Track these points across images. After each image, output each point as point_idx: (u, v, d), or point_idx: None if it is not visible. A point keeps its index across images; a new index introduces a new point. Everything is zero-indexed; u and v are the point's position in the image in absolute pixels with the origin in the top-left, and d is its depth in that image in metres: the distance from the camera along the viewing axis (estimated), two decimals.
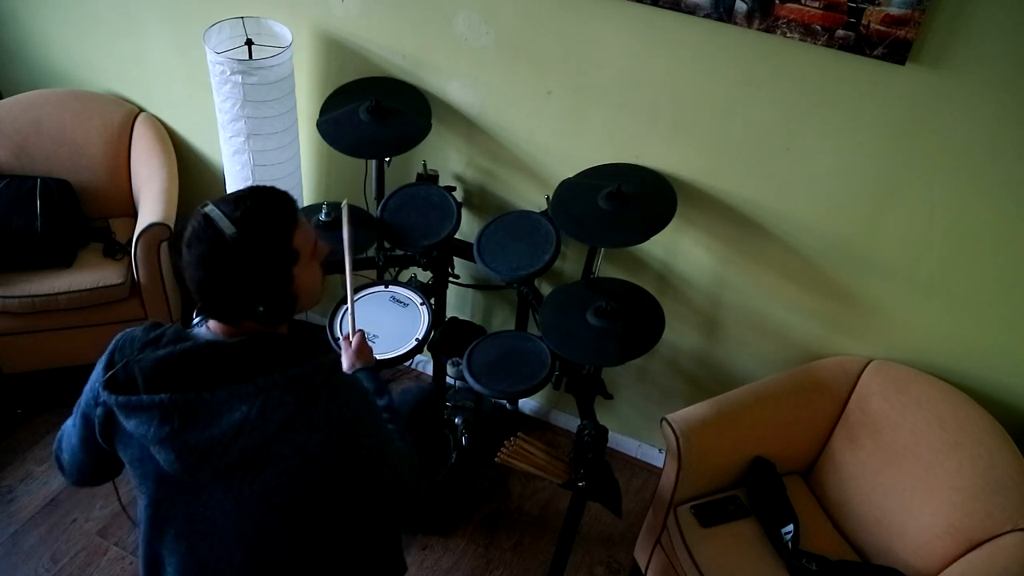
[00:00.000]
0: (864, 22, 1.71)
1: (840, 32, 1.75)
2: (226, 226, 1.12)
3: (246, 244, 1.13)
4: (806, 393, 2.14)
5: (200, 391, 1.11)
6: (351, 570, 1.40)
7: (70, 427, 1.33)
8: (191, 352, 1.14)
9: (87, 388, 1.26)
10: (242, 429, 1.10)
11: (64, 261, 2.60)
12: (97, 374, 1.23)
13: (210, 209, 1.14)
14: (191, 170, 2.92)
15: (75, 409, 1.29)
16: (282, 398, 1.12)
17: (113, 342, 1.23)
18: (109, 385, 1.15)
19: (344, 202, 1.71)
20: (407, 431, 1.44)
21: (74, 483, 1.39)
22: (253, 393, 1.11)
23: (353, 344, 1.61)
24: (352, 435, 1.18)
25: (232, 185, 2.53)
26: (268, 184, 1.21)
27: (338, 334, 2.06)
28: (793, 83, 1.88)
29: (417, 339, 2.04)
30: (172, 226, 2.53)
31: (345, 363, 1.59)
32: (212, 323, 1.22)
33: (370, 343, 2.03)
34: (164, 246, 2.55)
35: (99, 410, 1.20)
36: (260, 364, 1.15)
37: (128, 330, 1.24)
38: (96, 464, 1.32)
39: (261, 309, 1.17)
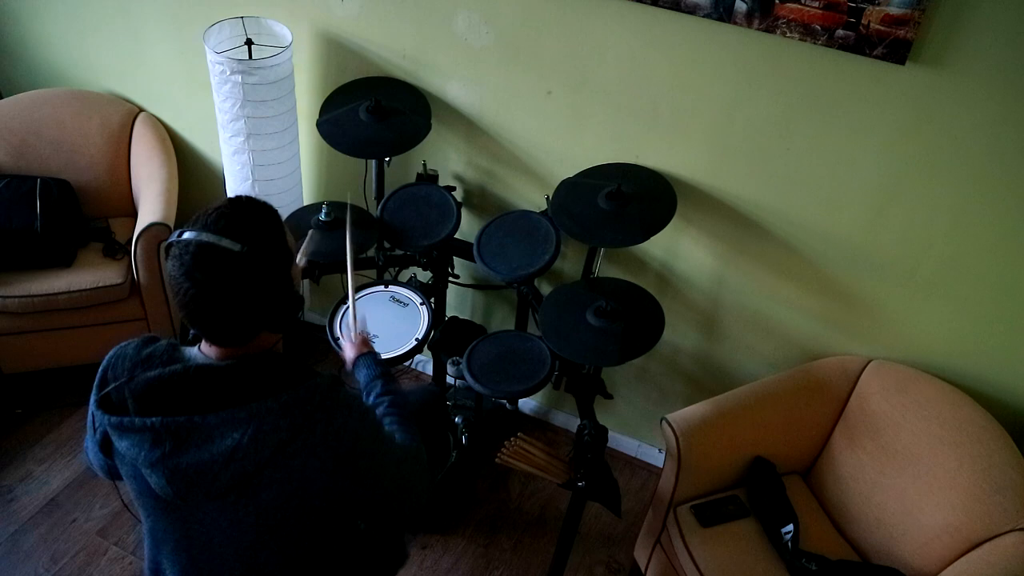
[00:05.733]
0: (864, 22, 1.71)
1: (840, 32, 1.75)
2: (229, 244, 1.09)
3: (256, 256, 1.11)
4: (806, 393, 2.14)
5: (192, 415, 1.09)
6: (351, 566, 1.40)
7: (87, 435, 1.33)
8: (181, 375, 1.12)
9: (91, 401, 1.24)
10: (234, 455, 1.08)
11: (64, 261, 2.60)
12: (93, 393, 1.21)
13: (197, 235, 1.09)
14: (191, 170, 2.92)
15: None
16: (276, 424, 1.09)
17: (106, 359, 1.21)
18: (103, 405, 1.14)
19: (348, 200, 1.71)
20: (411, 421, 1.43)
21: (110, 479, 1.38)
22: (246, 419, 1.09)
23: (355, 340, 1.61)
24: (351, 455, 1.16)
25: (232, 185, 2.53)
26: (237, 195, 1.19)
27: (338, 334, 2.06)
28: (793, 83, 1.88)
29: (417, 339, 2.04)
30: (172, 226, 2.53)
31: (348, 353, 1.58)
32: (205, 345, 1.19)
33: (371, 343, 2.04)
34: (164, 246, 2.55)
35: (99, 428, 1.19)
36: (254, 387, 1.13)
37: (121, 345, 1.22)
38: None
39: (277, 317, 1.17)
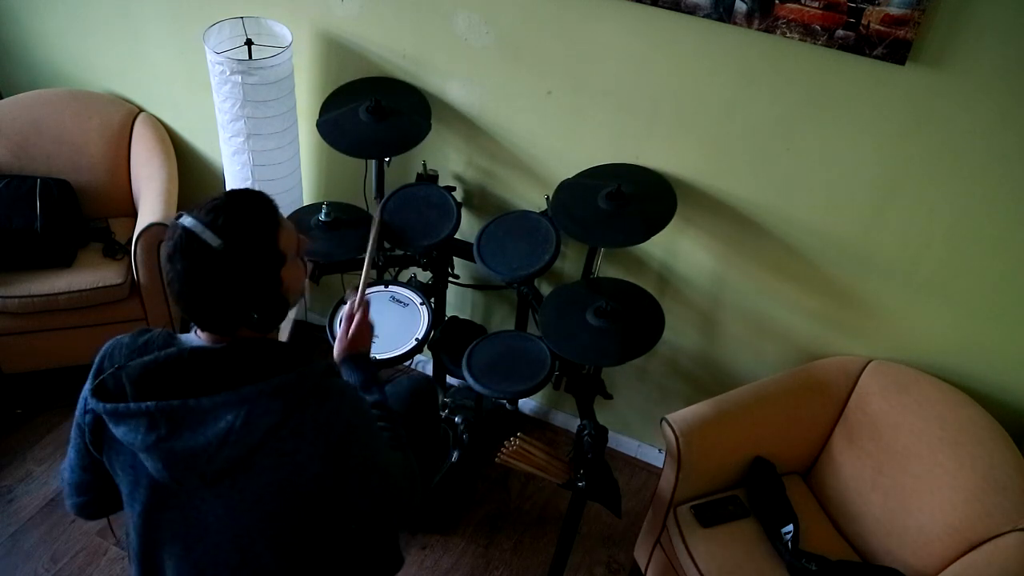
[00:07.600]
0: (864, 22, 1.71)
1: (840, 32, 1.75)
2: (210, 237, 1.09)
3: (233, 254, 1.11)
4: (806, 393, 2.14)
5: (187, 398, 1.10)
6: (345, 568, 1.40)
7: (70, 446, 1.32)
8: (176, 358, 1.13)
9: (80, 398, 1.25)
10: (227, 439, 1.09)
11: (64, 261, 2.60)
12: (88, 383, 1.22)
13: (189, 221, 1.11)
14: (191, 170, 2.92)
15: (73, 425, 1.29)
16: (268, 407, 1.10)
17: (102, 350, 1.22)
18: (97, 393, 1.14)
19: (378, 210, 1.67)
20: (402, 429, 1.43)
21: (76, 509, 1.35)
22: (238, 402, 1.10)
23: (354, 324, 1.55)
24: (342, 443, 1.17)
25: (232, 185, 2.53)
26: (243, 187, 1.20)
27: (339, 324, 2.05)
28: (793, 83, 1.88)
29: (417, 339, 2.04)
30: None
31: (336, 348, 1.55)
32: (200, 331, 1.21)
33: (369, 336, 2.03)
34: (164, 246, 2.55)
35: (88, 417, 1.20)
36: (248, 371, 1.14)
37: (116, 338, 1.23)
38: (96, 483, 1.31)
39: (256, 316, 1.16)
